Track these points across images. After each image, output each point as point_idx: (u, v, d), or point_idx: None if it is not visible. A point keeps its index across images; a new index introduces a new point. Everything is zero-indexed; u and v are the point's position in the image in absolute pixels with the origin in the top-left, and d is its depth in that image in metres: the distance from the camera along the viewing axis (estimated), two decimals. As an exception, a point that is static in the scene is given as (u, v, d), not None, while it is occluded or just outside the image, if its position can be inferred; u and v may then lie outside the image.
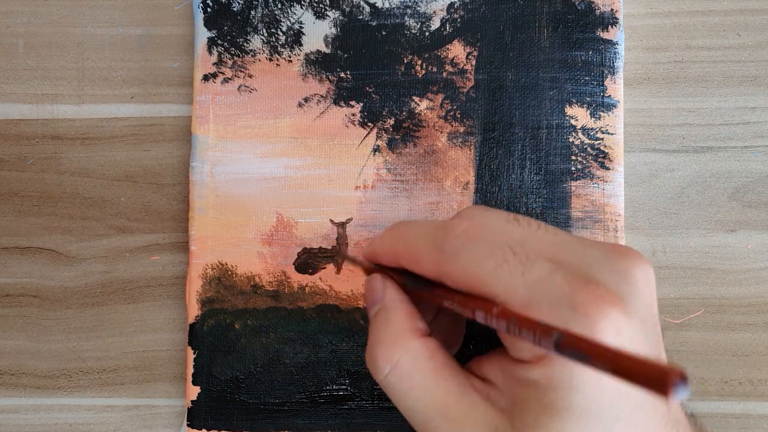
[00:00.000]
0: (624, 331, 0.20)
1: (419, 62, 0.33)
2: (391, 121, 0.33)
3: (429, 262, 0.23)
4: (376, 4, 0.33)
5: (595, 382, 0.20)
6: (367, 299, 0.26)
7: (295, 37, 0.33)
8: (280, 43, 0.33)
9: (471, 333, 0.30)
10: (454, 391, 0.23)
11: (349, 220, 0.33)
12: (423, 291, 0.24)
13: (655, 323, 0.22)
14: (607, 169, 0.32)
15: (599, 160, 0.32)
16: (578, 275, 0.20)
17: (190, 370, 0.33)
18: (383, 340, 0.23)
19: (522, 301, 0.20)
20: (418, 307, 0.25)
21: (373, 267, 0.27)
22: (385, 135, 0.33)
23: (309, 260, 0.33)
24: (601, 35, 0.32)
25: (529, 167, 0.33)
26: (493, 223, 0.23)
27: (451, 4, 0.33)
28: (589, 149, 0.32)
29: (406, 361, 0.23)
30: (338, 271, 0.33)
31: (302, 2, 0.33)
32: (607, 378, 0.18)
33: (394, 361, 0.23)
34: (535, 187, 0.32)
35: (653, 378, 0.15)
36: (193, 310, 0.33)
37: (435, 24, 0.33)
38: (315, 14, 0.33)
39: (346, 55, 0.33)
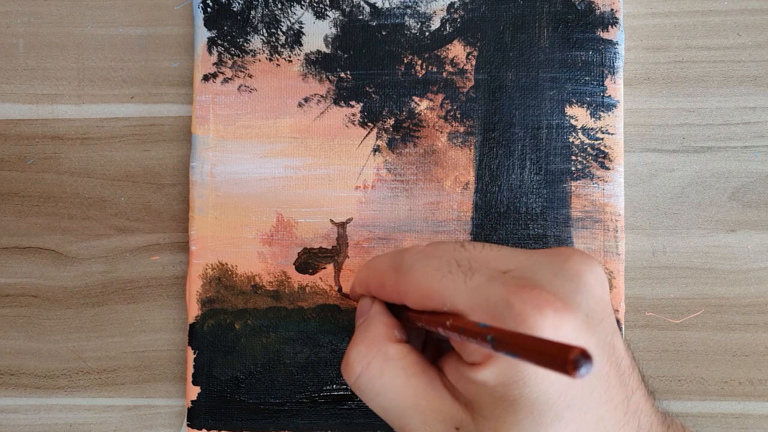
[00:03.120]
0: (563, 326, 0.21)
1: (419, 62, 0.33)
2: (391, 121, 0.33)
3: (390, 284, 0.25)
4: (376, 4, 0.33)
5: (542, 375, 0.21)
6: (357, 314, 0.28)
7: (295, 37, 0.33)
8: (280, 43, 0.33)
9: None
10: (424, 388, 0.24)
11: (349, 220, 0.33)
12: (401, 316, 0.26)
13: (606, 316, 0.23)
14: (607, 169, 0.32)
15: (599, 160, 0.32)
16: (516, 280, 0.22)
17: (190, 370, 0.33)
18: (359, 344, 0.25)
19: (465, 307, 0.22)
20: (408, 331, 0.27)
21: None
22: (385, 135, 0.33)
23: (309, 260, 0.33)
24: (601, 35, 0.32)
25: (529, 167, 0.33)
26: (443, 246, 0.25)
27: (451, 4, 0.33)
28: (589, 149, 0.32)
29: (378, 362, 0.24)
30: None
31: (302, 2, 0.33)
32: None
33: (366, 362, 0.24)
34: (535, 187, 0.32)
35: (557, 357, 0.15)
36: (194, 310, 0.33)
37: (435, 24, 0.33)
38: (315, 14, 0.33)
39: (346, 55, 0.33)
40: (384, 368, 0.24)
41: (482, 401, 0.22)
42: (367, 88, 0.33)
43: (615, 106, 0.32)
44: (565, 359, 0.15)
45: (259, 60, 0.33)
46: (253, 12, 0.33)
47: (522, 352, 0.17)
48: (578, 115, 0.32)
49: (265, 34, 0.33)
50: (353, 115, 0.33)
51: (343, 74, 0.33)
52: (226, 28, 0.33)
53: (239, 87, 0.33)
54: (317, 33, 0.33)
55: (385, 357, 0.24)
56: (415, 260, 0.24)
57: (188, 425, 0.33)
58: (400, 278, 0.24)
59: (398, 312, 0.26)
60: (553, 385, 0.21)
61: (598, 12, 0.32)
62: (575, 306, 0.21)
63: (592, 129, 0.32)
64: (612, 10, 0.32)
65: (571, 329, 0.21)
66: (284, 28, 0.33)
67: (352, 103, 0.33)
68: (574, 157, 0.32)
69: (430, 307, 0.23)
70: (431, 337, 0.29)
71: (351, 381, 0.25)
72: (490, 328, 0.19)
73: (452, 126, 0.33)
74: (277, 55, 0.33)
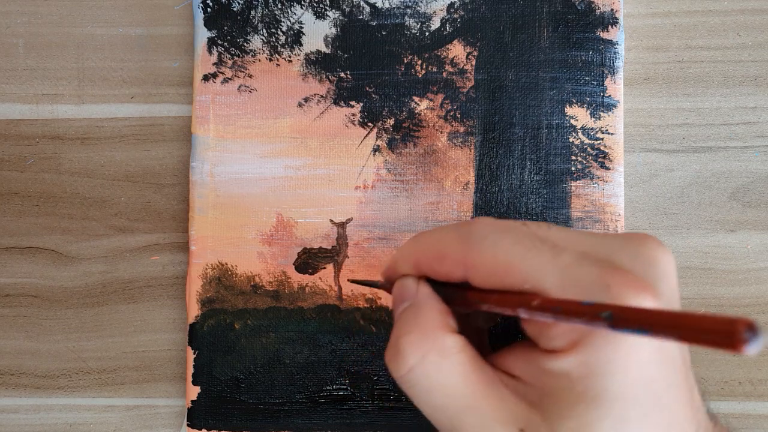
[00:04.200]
0: None
1: (419, 62, 0.33)
2: (391, 121, 0.33)
3: (455, 256, 0.22)
4: (376, 4, 0.33)
5: (628, 367, 0.19)
6: (396, 298, 0.25)
7: (295, 37, 0.33)
8: (280, 43, 0.33)
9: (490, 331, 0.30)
10: (483, 387, 0.22)
11: (349, 220, 0.33)
12: (455, 298, 0.23)
13: (678, 304, 0.22)
14: (607, 169, 0.32)
15: (599, 160, 0.32)
16: (607, 262, 0.20)
17: (190, 370, 0.33)
18: (411, 332, 0.22)
19: (554, 286, 0.20)
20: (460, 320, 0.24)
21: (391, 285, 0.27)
22: (385, 135, 0.33)
23: (309, 260, 0.33)
24: (601, 35, 0.32)
25: (529, 167, 0.33)
26: (509, 222, 0.23)
27: (451, 4, 0.33)
28: (589, 149, 0.32)
29: (434, 355, 0.22)
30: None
31: (302, 2, 0.33)
32: (642, 358, 0.18)
33: (420, 354, 0.22)
34: (535, 187, 0.32)
35: (721, 333, 0.14)
36: (193, 310, 0.33)
37: (435, 24, 0.33)
38: (315, 14, 0.33)
39: (346, 55, 0.33)
40: (441, 362, 0.22)
41: (559, 396, 0.20)
42: (367, 88, 0.33)
43: (615, 106, 0.32)
44: (732, 333, 0.13)
45: (259, 60, 0.33)
46: (253, 12, 0.33)
47: (659, 328, 0.16)
48: (578, 115, 0.32)
49: (265, 34, 0.33)
50: (353, 115, 0.33)
51: (343, 74, 0.33)
52: (226, 28, 0.33)
53: (239, 87, 0.33)
54: (317, 33, 0.33)
55: (442, 349, 0.22)
56: (489, 232, 0.22)
57: (188, 425, 0.33)
58: (471, 250, 0.22)
59: (447, 296, 0.24)
60: (640, 377, 0.19)
61: (598, 12, 0.32)
62: (659, 294, 0.20)
63: (592, 129, 0.32)
64: (612, 10, 0.32)
65: None
66: (284, 28, 0.33)
67: (352, 103, 0.33)
68: (574, 157, 0.32)
69: (504, 285, 0.21)
70: (470, 328, 0.27)
71: (400, 374, 0.22)
72: (603, 305, 0.17)
73: (452, 126, 0.33)
74: (277, 55, 0.33)
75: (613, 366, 0.19)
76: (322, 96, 0.33)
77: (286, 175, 0.33)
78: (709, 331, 0.14)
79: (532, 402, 0.21)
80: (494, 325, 0.29)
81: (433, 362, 0.22)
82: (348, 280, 0.33)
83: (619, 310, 0.17)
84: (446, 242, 0.23)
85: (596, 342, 0.19)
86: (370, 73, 0.33)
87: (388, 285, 0.27)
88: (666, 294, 0.20)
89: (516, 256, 0.21)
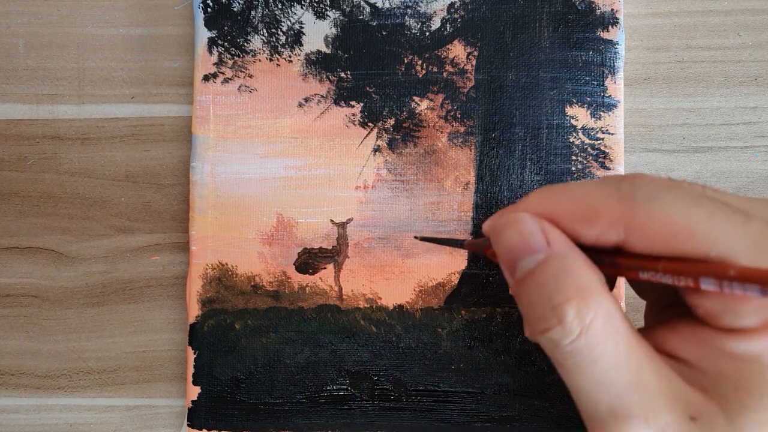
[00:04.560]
0: None
1: (419, 62, 0.33)
2: (392, 121, 0.33)
3: (612, 216, 0.19)
4: (377, 4, 0.33)
5: None
6: (513, 249, 0.20)
7: (296, 37, 0.33)
8: (281, 43, 0.33)
9: None
10: (650, 362, 0.19)
11: (350, 220, 0.33)
12: (603, 263, 0.20)
13: None
14: (608, 169, 0.32)
15: (599, 160, 0.32)
16: None
17: (191, 371, 0.33)
18: (568, 291, 0.19)
19: (746, 254, 0.17)
20: None
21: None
22: (385, 135, 0.33)
23: (309, 260, 0.33)
24: (602, 35, 0.32)
25: (530, 167, 0.33)
26: (671, 180, 0.20)
27: (452, 4, 0.33)
28: (589, 149, 0.32)
29: (600, 321, 0.18)
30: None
31: (302, 2, 0.33)
32: None
33: (588, 320, 0.18)
34: (535, 187, 0.32)
35: None
36: (194, 311, 0.33)
37: (435, 24, 0.33)
38: (315, 14, 0.33)
39: (346, 55, 0.33)
40: (609, 330, 0.18)
41: (744, 385, 0.18)
42: (368, 88, 0.33)
43: (615, 106, 0.32)
44: None
45: (260, 60, 0.33)
46: (253, 12, 0.33)
47: None
48: (578, 115, 0.32)
49: (266, 34, 0.33)
50: (353, 115, 0.33)
51: (343, 74, 0.33)
52: (226, 28, 0.33)
53: (239, 87, 0.33)
54: (317, 33, 0.33)
55: (608, 314, 0.19)
56: (659, 190, 0.19)
57: (188, 425, 0.33)
58: (635, 212, 0.18)
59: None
60: None
61: (598, 12, 0.32)
62: None
63: (592, 129, 0.32)
64: (612, 10, 0.32)
65: None
66: (284, 28, 0.33)
67: (353, 103, 0.33)
68: (574, 157, 0.32)
69: (677, 251, 0.18)
70: None
71: (564, 343, 0.19)
72: None
73: (452, 126, 0.33)
74: (277, 55, 0.33)
75: None
76: (322, 96, 0.33)
77: (286, 175, 0.33)
78: None
79: (704, 388, 0.18)
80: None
81: (601, 329, 0.18)
82: (416, 237, 0.30)
83: None
84: (600, 199, 0.19)
85: None
86: (371, 73, 0.33)
87: (481, 244, 0.22)
88: None
89: (697, 220, 0.18)
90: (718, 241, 0.17)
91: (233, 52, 0.33)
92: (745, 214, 0.18)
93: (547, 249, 0.20)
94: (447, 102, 0.33)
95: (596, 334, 0.18)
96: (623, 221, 0.19)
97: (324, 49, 0.33)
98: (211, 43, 0.33)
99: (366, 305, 0.33)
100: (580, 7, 0.32)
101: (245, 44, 0.33)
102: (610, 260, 0.19)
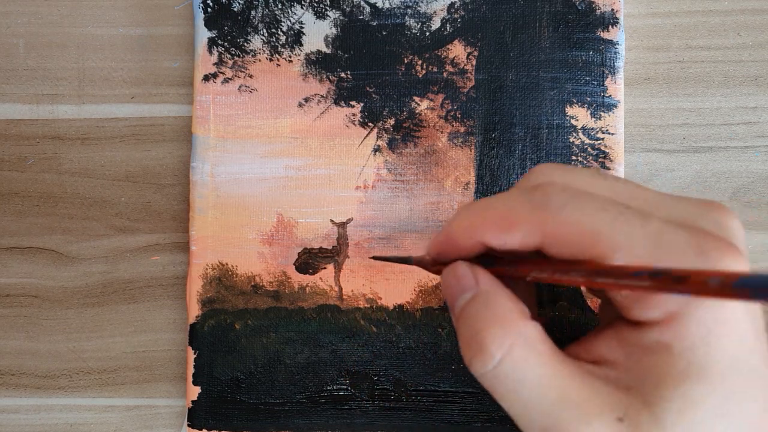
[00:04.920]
0: None
1: (420, 62, 0.33)
2: (392, 121, 0.33)
3: (528, 224, 0.20)
4: (377, 4, 0.33)
5: (730, 340, 0.18)
6: (452, 290, 0.23)
7: (296, 37, 0.33)
8: (281, 43, 0.33)
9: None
10: (573, 376, 0.20)
11: (350, 220, 0.33)
12: (522, 270, 0.22)
13: None
14: (608, 169, 0.32)
15: (600, 160, 0.32)
16: (692, 227, 0.19)
17: (191, 371, 0.33)
18: (490, 324, 0.20)
19: (644, 253, 0.19)
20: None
21: (437, 263, 0.25)
22: (385, 135, 0.33)
23: (309, 260, 0.33)
24: (602, 35, 0.32)
25: (530, 167, 0.33)
26: (581, 180, 0.21)
27: (452, 4, 0.33)
28: (589, 149, 0.32)
29: (520, 346, 0.20)
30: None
31: (302, 2, 0.33)
32: (740, 329, 0.18)
33: (506, 346, 0.20)
34: (535, 187, 0.32)
35: None
36: (194, 311, 0.33)
37: (435, 24, 0.33)
38: (315, 14, 0.33)
39: (346, 55, 0.33)
40: (528, 353, 0.20)
41: (660, 376, 0.19)
42: (368, 88, 0.33)
43: (615, 106, 0.32)
44: None
45: (260, 60, 0.33)
46: (253, 12, 0.33)
47: None
48: (579, 115, 0.32)
49: (266, 34, 0.33)
50: (353, 115, 0.33)
51: (343, 74, 0.33)
52: (226, 28, 0.33)
53: (239, 87, 0.33)
54: (317, 33, 0.33)
55: (527, 339, 0.20)
56: (569, 198, 0.20)
57: (189, 425, 0.33)
58: (548, 218, 0.20)
59: (510, 271, 0.22)
60: (741, 350, 0.18)
61: (598, 12, 0.32)
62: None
63: (592, 129, 0.32)
64: (612, 10, 0.32)
65: None
66: (284, 28, 0.33)
67: (353, 103, 0.33)
68: (574, 157, 0.32)
69: (588, 255, 0.19)
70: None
71: (484, 370, 0.20)
72: (711, 271, 0.16)
73: (453, 126, 0.33)
74: (277, 55, 0.33)
75: (714, 336, 0.18)
76: (322, 96, 0.33)
77: (286, 175, 0.33)
78: None
79: (628, 387, 0.20)
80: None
81: (520, 354, 0.20)
82: (371, 257, 0.32)
83: (728, 277, 0.15)
84: (512, 210, 0.21)
85: (696, 312, 0.18)
86: (371, 73, 0.33)
87: (428, 262, 0.25)
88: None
89: (603, 223, 0.19)
90: (620, 244, 0.19)
91: (233, 52, 0.33)
92: (643, 216, 0.19)
93: (475, 287, 0.22)
94: (447, 102, 0.33)
95: (517, 359, 0.20)
96: (539, 228, 0.20)
97: (324, 49, 0.33)
98: (211, 43, 0.33)
99: (366, 305, 0.33)
100: (580, 7, 0.32)
101: (245, 44, 0.33)
102: (530, 268, 0.21)
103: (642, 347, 0.20)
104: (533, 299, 0.26)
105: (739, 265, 0.18)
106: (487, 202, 0.22)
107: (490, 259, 0.23)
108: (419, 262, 0.26)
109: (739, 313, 0.19)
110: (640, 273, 0.17)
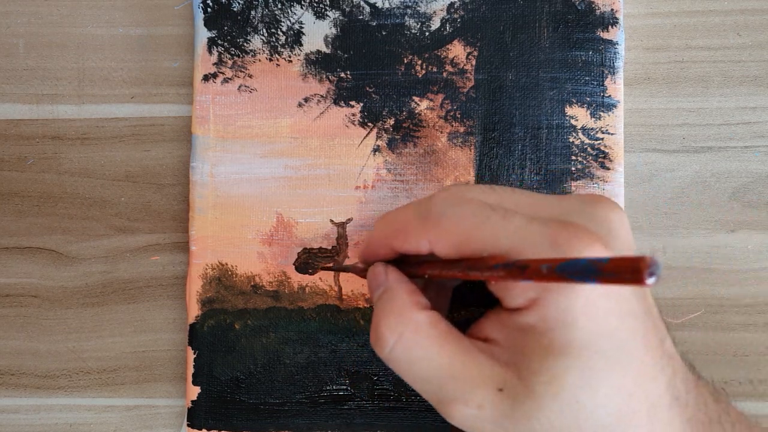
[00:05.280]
0: None
1: (419, 62, 0.33)
2: (391, 121, 0.33)
3: (417, 233, 0.24)
4: (376, 4, 0.33)
5: (588, 319, 0.21)
6: (371, 286, 0.26)
7: (295, 37, 0.33)
8: (280, 43, 0.33)
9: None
10: (459, 355, 0.23)
11: (350, 220, 0.33)
12: (426, 271, 0.25)
13: None
14: (607, 169, 0.32)
15: (599, 160, 0.32)
16: (555, 221, 0.22)
17: (191, 370, 0.33)
18: (388, 314, 0.24)
19: (508, 249, 0.21)
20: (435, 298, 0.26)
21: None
22: (385, 135, 0.33)
23: (309, 260, 0.33)
24: (602, 35, 0.32)
25: (530, 167, 0.33)
26: (470, 192, 0.24)
27: (451, 4, 0.33)
28: (589, 149, 0.32)
29: (410, 331, 0.23)
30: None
31: (302, 2, 0.33)
32: (599, 310, 0.20)
33: (398, 333, 0.23)
34: (535, 187, 0.32)
35: (628, 269, 0.16)
36: (194, 311, 0.33)
37: (435, 24, 0.33)
38: (315, 14, 0.33)
39: (346, 55, 0.33)
40: (417, 337, 0.23)
41: (530, 353, 0.22)
42: (367, 88, 0.33)
43: (615, 106, 0.32)
44: (638, 268, 0.15)
45: (259, 60, 0.33)
46: (253, 12, 0.33)
47: (590, 275, 0.17)
48: (578, 115, 0.32)
49: (265, 34, 0.33)
50: (353, 115, 0.33)
51: (343, 74, 0.33)
52: (226, 28, 0.33)
53: (239, 87, 0.33)
54: (317, 33, 0.33)
55: (417, 325, 0.23)
56: (446, 207, 0.23)
57: (188, 425, 0.33)
58: (432, 227, 0.24)
59: (420, 271, 0.26)
60: (601, 327, 0.21)
61: (598, 12, 0.32)
62: (612, 247, 0.22)
63: (592, 129, 0.32)
64: (612, 10, 0.32)
65: None
66: (284, 28, 0.33)
67: (352, 103, 0.33)
68: (574, 158, 0.32)
69: (466, 254, 0.23)
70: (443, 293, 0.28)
71: (384, 354, 0.24)
72: (543, 260, 0.19)
73: (452, 126, 0.33)
74: (277, 55, 0.33)
75: (572, 318, 0.21)
76: (322, 96, 0.33)
77: (286, 175, 0.33)
78: (618, 270, 0.16)
79: (507, 363, 0.22)
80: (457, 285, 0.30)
81: (410, 338, 0.23)
82: (321, 268, 0.33)
83: (552, 263, 0.18)
84: (406, 221, 0.24)
85: (551, 296, 0.21)
86: (370, 73, 0.33)
87: (360, 269, 0.28)
88: (617, 248, 0.22)
89: (472, 227, 0.22)
90: (487, 241, 0.22)
91: (233, 52, 0.33)
92: (506, 216, 0.22)
93: (386, 283, 0.25)
94: (447, 102, 0.33)
95: (407, 343, 0.23)
96: (424, 236, 0.24)
97: (324, 49, 0.33)
98: (211, 43, 0.33)
99: (366, 305, 0.33)
100: (579, 7, 0.32)
101: (245, 44, 0.33)
102: (431, 268, 0.25)
103: (516, 329, 0.22)
104: (448, 296, 0.29)
105: (593, 251, 0.20)
106: (393, 215, 0.26)
107: (408, 261, 0.26)
108: (354, 270, 0.29)
109: (596, 295, 0.21)
110: (498, 266, 0.21)
